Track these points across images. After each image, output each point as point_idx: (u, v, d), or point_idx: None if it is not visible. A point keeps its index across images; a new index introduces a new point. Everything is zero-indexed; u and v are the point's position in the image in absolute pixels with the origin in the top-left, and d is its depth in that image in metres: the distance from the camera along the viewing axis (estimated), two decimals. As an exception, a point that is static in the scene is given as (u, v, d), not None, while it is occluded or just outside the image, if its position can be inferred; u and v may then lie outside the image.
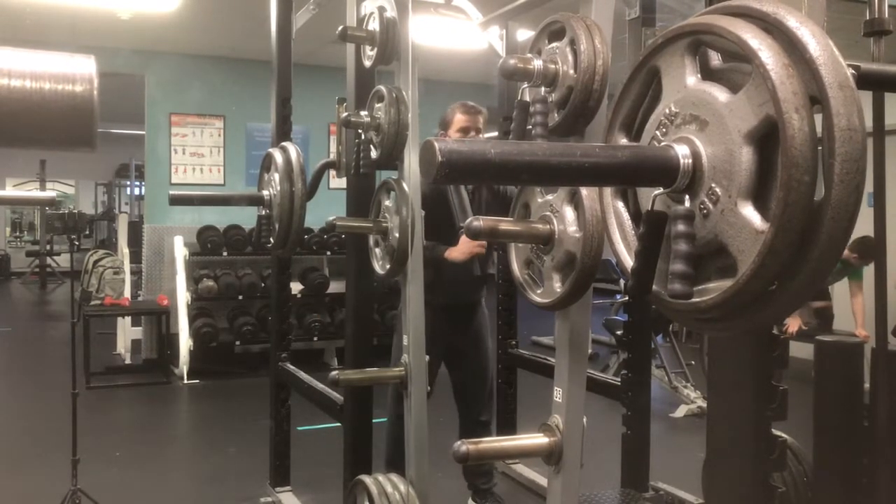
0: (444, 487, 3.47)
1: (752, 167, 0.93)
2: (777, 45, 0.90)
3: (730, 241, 0.95)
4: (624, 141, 1.14)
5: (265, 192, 2.88)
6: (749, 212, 0.93)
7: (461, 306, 3.39)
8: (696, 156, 0.98)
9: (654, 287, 1.06)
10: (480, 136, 3.17)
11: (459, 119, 3.16)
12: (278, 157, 2.80)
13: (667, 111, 1.04)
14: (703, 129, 0.97)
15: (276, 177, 2.79)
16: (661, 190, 1.02)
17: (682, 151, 0.98)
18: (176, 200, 2.94)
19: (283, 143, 2.91)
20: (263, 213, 2.85)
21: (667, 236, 1.02)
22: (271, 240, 2.85)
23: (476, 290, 3.42)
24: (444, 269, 3.12)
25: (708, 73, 1.03)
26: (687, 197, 0.99)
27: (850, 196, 0.88)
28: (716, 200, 0.96)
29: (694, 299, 1.00)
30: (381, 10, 2.34)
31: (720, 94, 0.97)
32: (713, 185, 0.97)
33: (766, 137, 0.91)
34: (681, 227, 0.97)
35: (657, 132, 1.05)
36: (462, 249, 3.06)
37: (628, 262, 1.13)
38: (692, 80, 1.01)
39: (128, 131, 10.46)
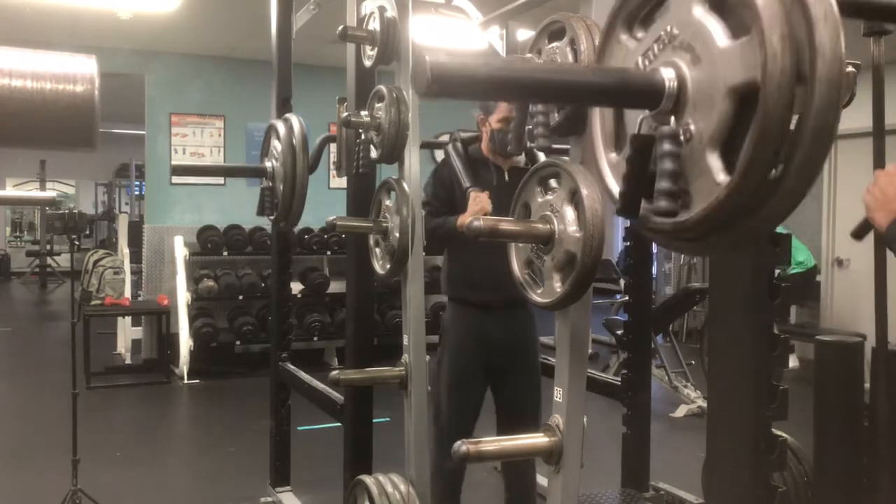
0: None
1: (727, 119, 0.95)
2: (783, 10, 0.90)
3: (691, 180, 1.00)
4: (623, 36, 1.14)
5: (268, 164, 2.89)
6: (714, 161, 0.97)
7: (501, 306, 2.85)
8: (681, 80, 1.00)
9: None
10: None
11: (503, 107, 2.85)
12: (281, 128, 2.78)
13: (668, 28, 1.04)
14: (696, 64, 0.99)
15: (279, 148, 2.78)
16: (647, 113, 1.04)
17: (668, 75, 1.00)
18: (178, 171, 2.98)
19: (287, 115, 2.89)
20: (266, 184, 2.87)
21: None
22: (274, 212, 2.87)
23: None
24: (472, 254, 2.78)
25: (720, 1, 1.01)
26: (672, 118, 1.01)
27: (806, 183, 0.95)
28: (689, 138, 1.00)
29: (679, 217, 1.03)
30: (382, 9, 2.34)
31: (720, 35, 0.97)
32: (690, 121, 1.00)
33: (747, 96, 0.93)
34: (666, 146, 0.99)
35: (654, 45, 1.06)
36: (473, 209, 2.71)
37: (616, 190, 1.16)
38: (699, 9, 1.00)
39: (128, 131, 10.45)
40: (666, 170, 0.99)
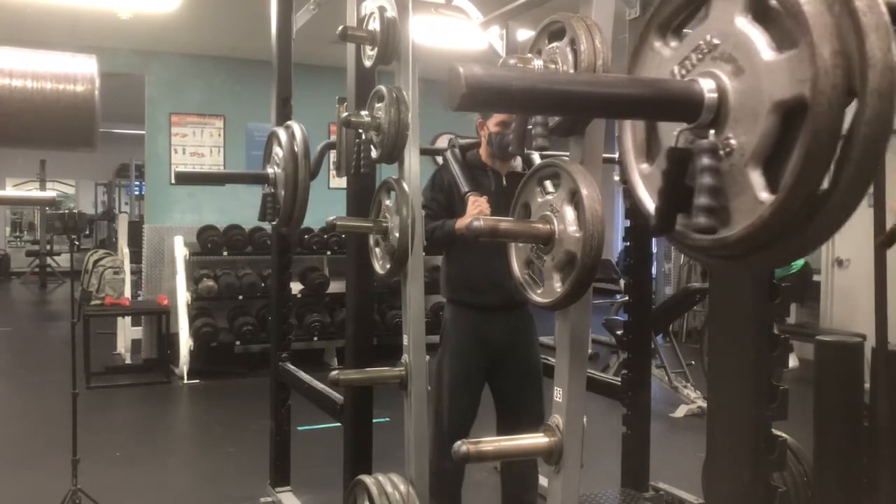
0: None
1: (770, 135, 0.91)
2: (832, 23, 0.86)
3: (731, 196, 0.96)
4: (657, 44, 1.10)
5: (269, 171, 2.91)
6: (756, 178, 0.93)
7: (500, 308, 2.90)
8: (722, 93, 0.96)
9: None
10: None
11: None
12: (283, 135, 2.81)
13: (707, 37, 1.00)
14: (738, 75, 0.95)
15: (281, 154, 2.80)
16: (684, 125, 1.00)
17: (707, 86, 0.97)
18: (181, 178, 3.03)
19: (288, 122, 2.91)
20: (269, 191, 2.89)
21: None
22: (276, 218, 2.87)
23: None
24: (470, 257, 2.83)
25: (763, 10, 0.96)
26: (712, 132, 0.97)
27: (856, 198, 0.90)
28: (729, 153, 0.96)
29: (719, 234, 0.98)
30: (382, 9, 2.34)
31: (765, 48, 0.93)
32: (730, 134, 0.95)
33: (793, 111, 0.89)
34: (705, 160, 0.95)
35: (692, 55, 1.02)
36: (471, 213, 2.74)
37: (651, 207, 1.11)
38: (742, 20, 0.96)
39: (128, 131, 10.46)
40: (705, 185, 0.95)
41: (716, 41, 0.99)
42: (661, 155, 1.09)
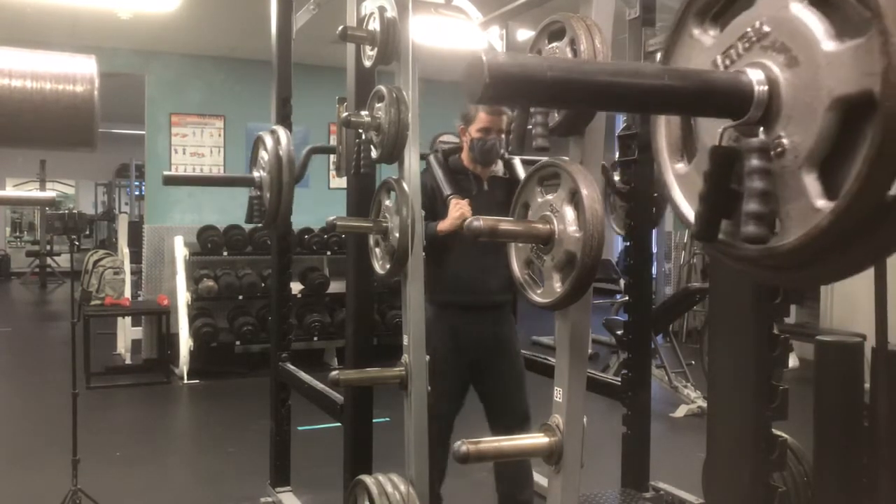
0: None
1: (830, 135, 0.82)
2: None
3: (783, 202, 0.87)
4: (696, 31, 1.00)
5: (255, 174, 3.05)
6: (811, 182, 0.84)
7: (484, 307, 3.02)
8: (773, 86, 0.86)
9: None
10: (501, 137, 3.05)
11: (482, 118, 2.96)
12: (269, 140, 2.94)
13: (756, 24, 0.90)
14: (791, 67, 0.85)
15: (266, 158, 2.94)
16: (729, 122, 0.90)
17: (756, 77, 0.87)
18: (170, 181, 3.21)
19: (274, 127, 3.03)
20: (255, 193, 3.05)
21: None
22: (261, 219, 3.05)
23: (502, 287, 3.02)
24: (452, 259, 2.91)
25: None
26: (762, 129, 0.87)
27: None
28: (780, 153, 0.86)
29: (769, 244, 0.88)
30: (382, 9, 2.34)
31: (825, 37, 0.83)
32: (782, 133, 0.86)
33: (857, 108, 0.80)
34: (755, 161, 0.85)
35: (738, 44, 0.91)
36: (453, 216, 2.82)
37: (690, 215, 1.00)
38: (797, 4, 0.86)
39: (128, 131, 10.46)
40: (756, 189, 0.85)
41: (766, 28, 0.88)
42: (698, 155, 1.00)
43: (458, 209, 2.82)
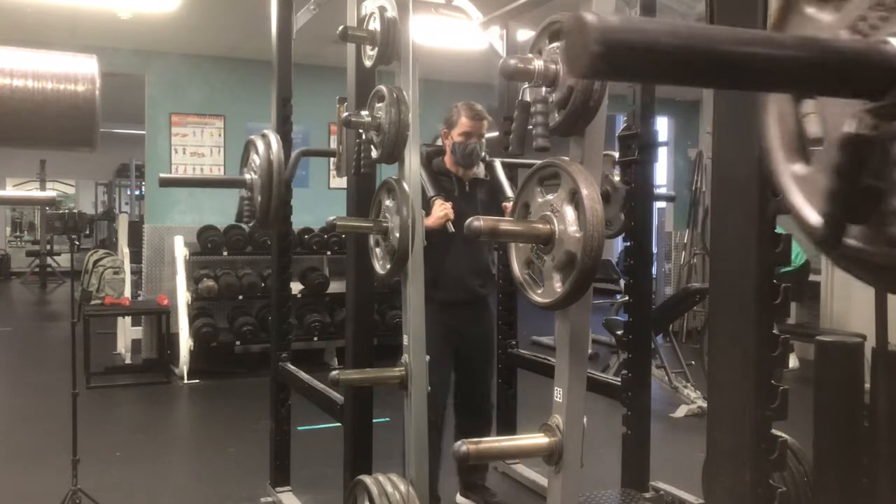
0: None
1: None
2: None
3: None
4: (810, 9, 0.84)
5: (247, 176, 3.19)
6: None
7: (465, 303, 3.33)
8: None
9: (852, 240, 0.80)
10: (483, 140, 3.21)
11: (464, 123, 3.19)
12: (260, 144, 3.07)
13: None
14: None
15: (258, 161, 3.07)
16: (858, 105, 0.74)
17: None
18: (165, 183, 3.39)
19: (264, 131, 3.17)
20: (246, 195, 3.18)
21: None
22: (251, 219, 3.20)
23: (482, 282, 3.37)
24: (436, 257, 3.06)
25: None
26: None
27: None
28: None
29: None
30: (382, 9, 2.34)
31: None
32: None
33: None
34: None
35: (870, 13, 0.77)
36: (437, 215, 3.00)
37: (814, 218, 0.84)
38: None
39: (128, 131, 10.46)
40: None
41: None
42: (818, 151, 0.84)
43: (441, 210, 3.00)
